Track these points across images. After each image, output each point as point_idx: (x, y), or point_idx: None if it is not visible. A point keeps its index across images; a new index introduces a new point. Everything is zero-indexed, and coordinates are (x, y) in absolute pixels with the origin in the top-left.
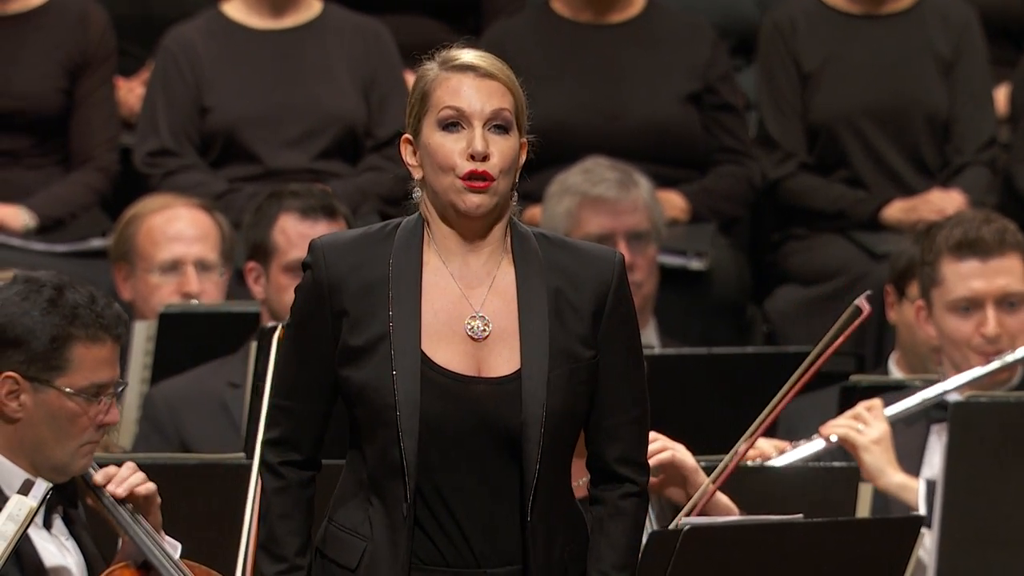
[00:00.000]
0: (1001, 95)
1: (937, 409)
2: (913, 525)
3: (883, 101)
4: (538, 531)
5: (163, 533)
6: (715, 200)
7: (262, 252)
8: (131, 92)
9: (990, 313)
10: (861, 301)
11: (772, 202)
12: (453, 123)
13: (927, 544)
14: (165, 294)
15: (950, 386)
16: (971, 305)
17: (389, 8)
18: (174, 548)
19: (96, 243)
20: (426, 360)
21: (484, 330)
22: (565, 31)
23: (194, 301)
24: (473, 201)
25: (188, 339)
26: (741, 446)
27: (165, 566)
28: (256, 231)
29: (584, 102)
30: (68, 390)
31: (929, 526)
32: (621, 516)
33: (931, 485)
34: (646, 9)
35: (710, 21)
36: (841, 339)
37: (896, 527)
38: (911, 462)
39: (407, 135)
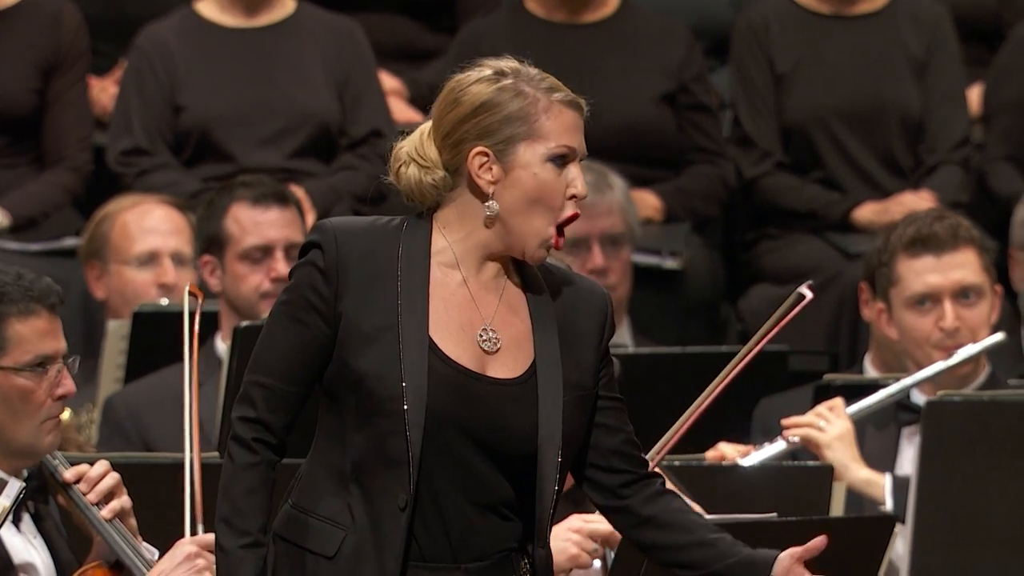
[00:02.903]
0: (974, 95)
1: (907, 411)
2: (886, 523)
3: (856, 102)
4: (543, 556)
5: (140, 538)
6: (689, 200)
7: (216, 243)
8: (104, 91)
9: (947, 307)
10: (804, 289)
11: (746, 202)
12: (561, 159)
13: (899, 544)
14: (142, 286)
15: (910, 382)
16: (928, 300)
17: (363, 7)
18: (151, 554)
19: (69, 242)
20: (434, 349)
21: (496, 343)
22: (539, 31)
23: (164, 301)
24: (542, 255)
25: (162, 338)
26: (681, 427)
27: (137, 565)
28: (209, 223)
29: None
30: (13, 367)
31: (899, 520)
32: (675, 499)
33: (897, 479)
34: (620, 9)
35: (684, 22)
36: (782, 323)
37: (870, 525)
38: (883, 467)
39: (483, 147)
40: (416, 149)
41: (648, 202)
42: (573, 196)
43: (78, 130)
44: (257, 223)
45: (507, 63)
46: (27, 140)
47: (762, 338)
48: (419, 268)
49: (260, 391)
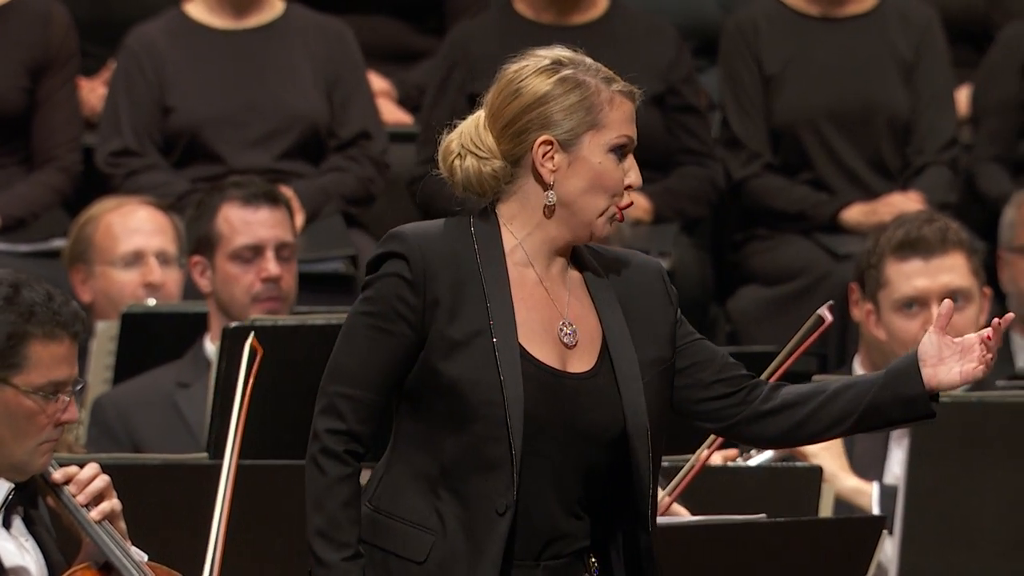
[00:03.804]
0: (962, 96)
1: None
2: (875, 525)
3: (845, 103)
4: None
5: (129, 541)
6: (678, 201)
7: (206, 243)
8: (93, 92)
9: (935, 311)
10: (824, 311)
11: (734, 203)
12: (620, 149)
13: (887, 547)
14: (128, 287)
15: None
16: (916, 304)
17: (352, 8)
18: (140, 557)
19: (58, 243)
20: (525, 354)
21: (575, 337)
22: (528, 32)
23: (151, 301)
24: (610, 231)
25: (151, 339)
26: (703, 453)
27: (126, 566)
28: (199, 224)
29: None
30: (25, 388)
31: (887, 528)
32: (786, 385)
33: (885, 489)
34: (609, 10)
35: (673, 22)
36: (803, 347)
37: (858, 526)
38: (873, 470)
39: (548, 136)
40: (472, 140)
41: (637, 203)
42: (629, 186)
43: (67, 131)
44: (248, 223)
45: (562, 52)
46: (16, 141)
47: (780, 365)
48: (499, 269)
49: (348, 403)
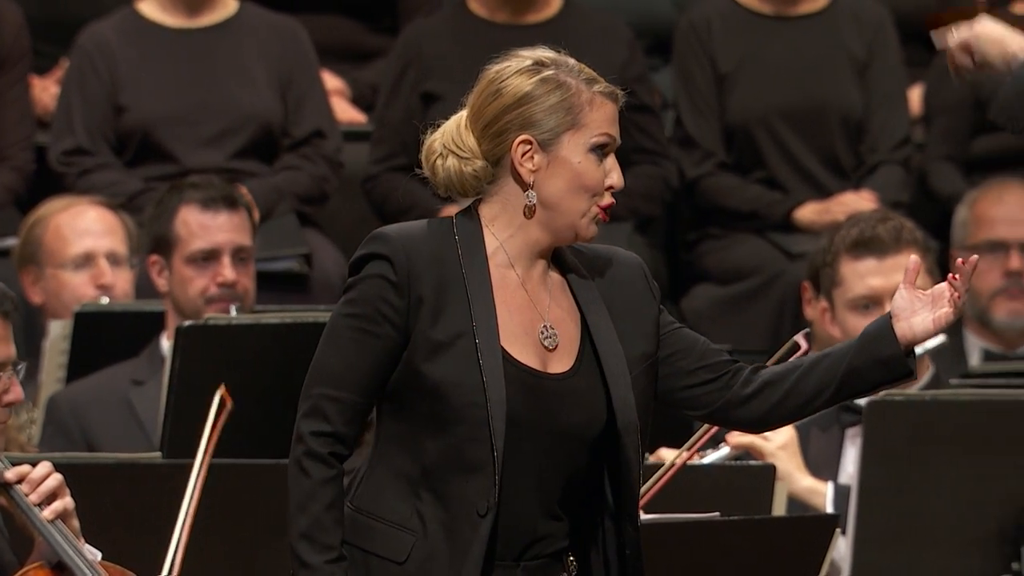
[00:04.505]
0: (914, 95)
1: (850, 412)
2: (828, 523)
3: (798, 102)
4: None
5: (82, 540)
6: (632, 199)
7: (164, 244)
8: (45, 91)
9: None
10: (799, 338)
11: (688, 202)
12: (601, 149)
13: (841, 545)
14: (79, 288)
15: None
16: (870, 303)
17: (305, 7)
18: (94, 556)
19: (11, 242)
20: (506, 356)
21: (555, 339)
22: (482, 31)
23: (104, 300)
24: (595, 231)
25: (104, 338)
26: (679, 459)
27: (79, 565)
28: (158, 224)
29: None
30: None
31: (841, 527)
32: (766, 371)
33: (839, 488)
34: (563, 9)
35: (626, 21)
36: None
37: (811, 525)
38: (828, 469)
39: (527, 136)
40: (453, 140)
41: None
42: (610, 187)
43: (19, 130)
44: (205, 227)
45: (544, 53)
46: None
47: None
48: (482, 271)
49: (333, 405)
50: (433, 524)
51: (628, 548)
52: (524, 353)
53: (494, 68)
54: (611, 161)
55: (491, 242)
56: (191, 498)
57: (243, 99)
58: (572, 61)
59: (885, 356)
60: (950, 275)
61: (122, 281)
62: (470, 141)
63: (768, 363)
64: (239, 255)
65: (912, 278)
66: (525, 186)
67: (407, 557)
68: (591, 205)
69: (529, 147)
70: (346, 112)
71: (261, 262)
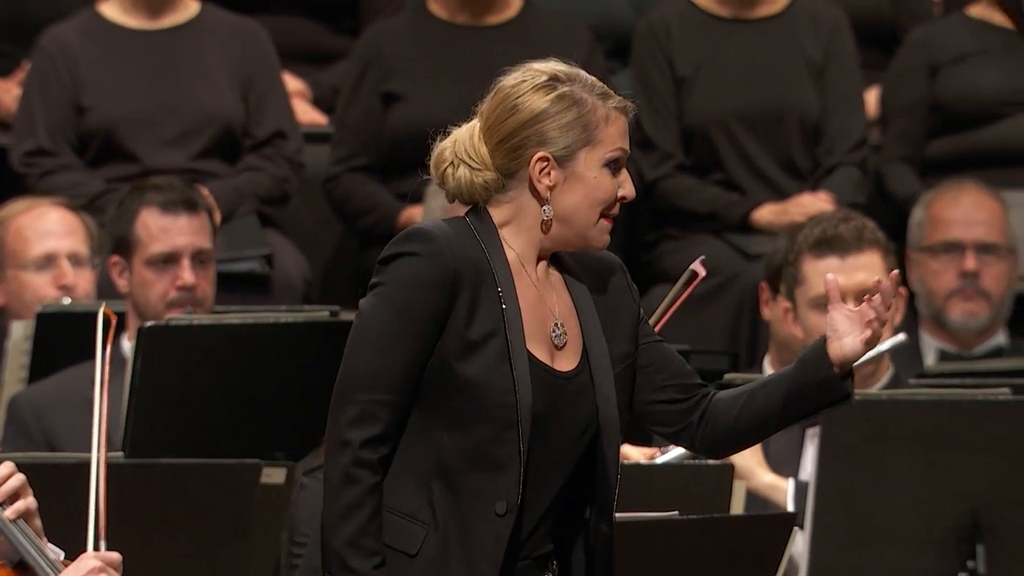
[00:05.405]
0: (871, 97)
1: None
2: (786, 522)
3: (755, 105)
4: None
5: (45, 539)
6: None
7: (125, 246)
8: (7, 92)
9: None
10: (696, 265)
11: (647, 203)
12: (615, 163)
13: (799, 543)
14: (41, 289)
15: None
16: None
17: (266, 9)
18: (56, 555)
19: None
20: (530, 357)
21: (564, 337)
22: (442, 32)
23: (66, 300)
24: (608, 240)
25: (65, 338)
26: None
27: (41, 564)
28: (118, 225)
29: (461, 103)
30: None
31: (799, 525)
32: (719, 397)
33: (800, 485)
34: (522, 11)
35: (586, 23)
36: (678, 302)
37: (769, 524)
38: (788, 467)
39: (546, 153)
40: (467, 150)
41: None
42: (623, 197)
43: None
44: (165, 230)
45: (558, 67)
46: None
47: (657, 321)
48: (507, 271)
49: (384, 409)
50: (445, 517)
51: (602, 547)
52: (540, 351)
53: (509, 82)
54: (623, 173)
55: (505, 242)
56: (99, 421)
57: (205, 100)
58: (586, 75)
59: (820, 379)
60: (867, 296)
61: (84, 282)
62: (483, 152)
63: (669, 294)
64: (199, 258)
65: (834, 297)
66: (542, 201)
67: (419, 550)
68: (603, 216)
69: (546, 164)
70: (307, 114)
71: (222, 263)
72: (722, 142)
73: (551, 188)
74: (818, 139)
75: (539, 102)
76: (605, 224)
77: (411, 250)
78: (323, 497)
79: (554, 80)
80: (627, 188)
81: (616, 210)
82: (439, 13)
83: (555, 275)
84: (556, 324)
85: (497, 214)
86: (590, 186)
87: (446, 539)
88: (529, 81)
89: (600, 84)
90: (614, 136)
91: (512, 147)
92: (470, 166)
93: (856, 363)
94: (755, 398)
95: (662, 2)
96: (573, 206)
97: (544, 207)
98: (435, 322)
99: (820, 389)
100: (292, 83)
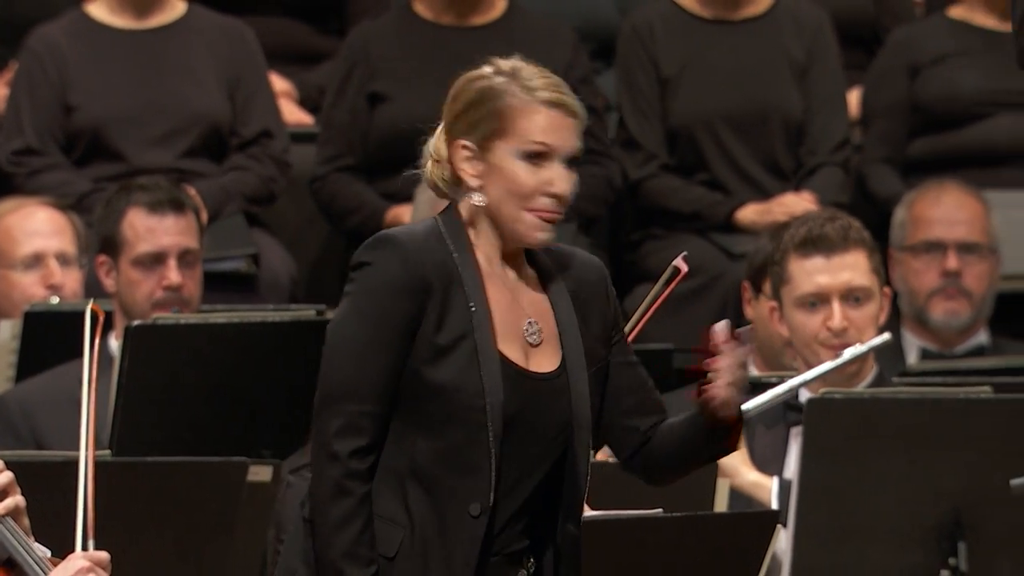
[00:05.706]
0: (853, 98)
1: (794, 411)
2: (769, 519)
3: (739, 105)
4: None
5: (32, 537)
6: (575, 200)
7: (111, 246)
8: None
9: (836, 307)
10: (679, 261)
11: (631, 202)
12: (535, 157)
13: (782, 540)
14: (29, 288)
15: (799, 381)
16: (818, 300)
17: (253, 9)
18: (44, 553)
19: None
20: (501, 357)
21: (539, 335)
22: (427, 34)
23: (54, 299)
24: (542, 237)
25: (53, 337)
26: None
27: (29, 562)
28: (105, 224)
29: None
30: None
31: (782, 523)
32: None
33: (784, 483)
34: (507, 12)
35: (571, 24)
36: (661, 299)
37: (753, 521)
38: (772, 466)
39: (465, 142)
40: (434, 144)
41: None
42: (552, 195)
43: None
44: (152, 230)
45: (512, 62)
46: None
47: (640, 319)
48: (473, 272)
49: (368, 419)
50: (421, 518)
51: (569, 546)
52: (512, 351)
53: (463, 75)
54: (553, 168)
55: (473, 241)
56: (87, 417)
57: (192, 99)
58: (534, 69)
59: (706, 429)
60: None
61: (71, 281)
62: (440, 145)
63: (652, 291)
64: (185, 258)
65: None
66: (470, 189)
67: (397, 552)
68: (526, 211)
69: (468, 153)
70: (293, 114)
71: (208, 262)
72: (706, 142)
73: (477, 178)
74: (801, 139)
75: (471, 92)
76: (532, 219)
77: (378, 258)
78: (310, 508)
79: (496, 73)
80: (558, 184)
81: (542, 205)
82: (424, 14)
83: (530, 272)
84: (529, 323)
85: (464, 211)
86: (506, 178)
87: (423, 540)
88: (475, 73)
89: (545, 79)
90: (531, 129)
91: (449, 138)
92: (435, 160)
93: (744, 407)
94: (668, 440)
95: (646, 3)
96: (496, 198)
97: (473, 194)
98: (407, 329)
99: (707, 439)
100: (278, 83)
